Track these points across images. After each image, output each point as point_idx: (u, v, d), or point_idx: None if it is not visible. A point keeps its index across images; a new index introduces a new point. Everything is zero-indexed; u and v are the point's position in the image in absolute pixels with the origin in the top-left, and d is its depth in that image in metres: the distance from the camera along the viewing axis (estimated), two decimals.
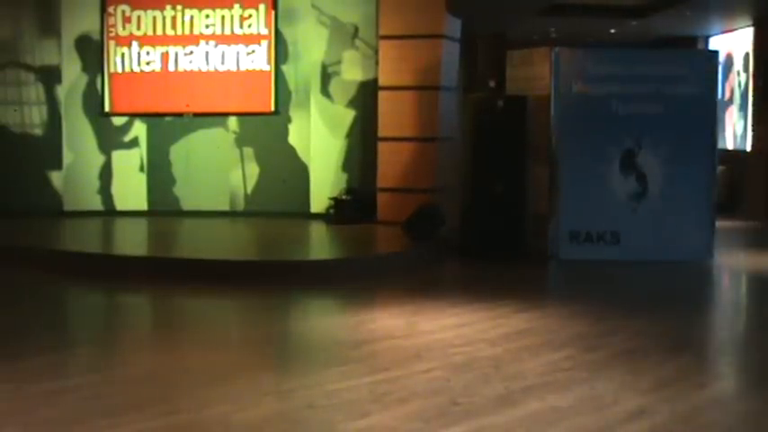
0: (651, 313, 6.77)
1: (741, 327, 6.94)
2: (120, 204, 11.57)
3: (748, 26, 13.84)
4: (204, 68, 11.47)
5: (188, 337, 6.05)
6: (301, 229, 10.50)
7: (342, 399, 4.55)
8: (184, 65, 11.48)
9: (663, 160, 9.06)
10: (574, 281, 8.41)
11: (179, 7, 11.45)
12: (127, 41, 11.51)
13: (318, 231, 10.41)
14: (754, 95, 13.49)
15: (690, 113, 9.07)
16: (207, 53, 11.45)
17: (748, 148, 13.58)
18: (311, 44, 11.25)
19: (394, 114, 10.43)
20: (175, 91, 11.50)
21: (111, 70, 11.54)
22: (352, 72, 11.17)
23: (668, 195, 9.08)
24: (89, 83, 11.57)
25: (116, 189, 11.59)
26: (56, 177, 11.59)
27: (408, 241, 9.22)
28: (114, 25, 11.50)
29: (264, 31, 11.38)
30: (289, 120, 11.39)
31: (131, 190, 11.56)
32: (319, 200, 11.14)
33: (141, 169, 11.56)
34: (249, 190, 11.47)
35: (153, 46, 11.49)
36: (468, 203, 9.35)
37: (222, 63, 11.44)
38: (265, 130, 11.41)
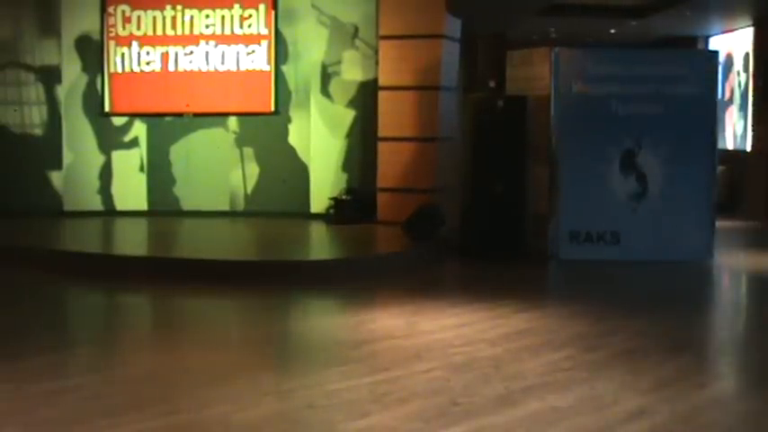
0: (651, 313, 6.77)
1: (741, 327, 6.94)
2: (120, 204, 11.57)
3: (748, 26, 13.85)
4: (204, 68, 11.47)
5: (188, 337, 6.05)
6: (301, 229, 10.50)
7: (342, 399, 4.55)
8: (184, 65, 11.48)
9: (663, 160, 9.06)
10: (574, 281, 8.41)
11: (179, 7, 11.45)
12: (127, 41, 11.51)
13: (318, 231, 10.42)
14: (754, 95, 13.49)
15: (690, 113, 9.07)
16: (207, 53, 11.45)
17: (748, 148, 13.58)
18: (311, 44, 11.25)
19: (394, 114, 10.43)
20: (175, 91, 11.50)
21: (111, 70, 11.55)
22: (352, 72, 11.17)
23: (668, 195, 9.08)
24: (89, 83, 11.57)
25: (116, 189, 11.59)
26: (56, 177, 11.59)
27: (408, 241, 9.22)
28: (114, 25, 11.50)
29: (264, 31, 11.38)
30: (289, 120, 11.39)
31: (131, 190, 11.56)
32: (319, 200, 11.14)
33: (141, 169, 11.56)
34: (249, 190, 11.48)
35: (153, 46, 11.49)
36: (468, 203, 9.35)
37: (222, 63, 11.44)
38: (265, 130, 11.41)
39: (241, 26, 11.41)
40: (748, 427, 4.35)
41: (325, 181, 11.19)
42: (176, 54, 11.47)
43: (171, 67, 11.48)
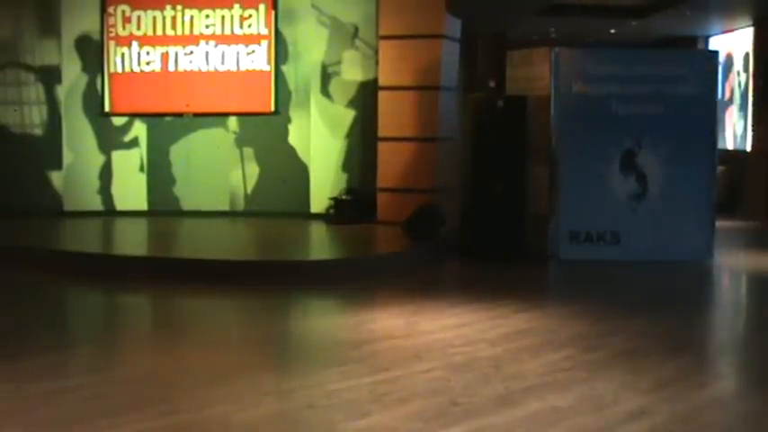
0: (651, 313, 6.77)
1: (741, 327, 6.94)
2: (120, 204, 11.57)
3: (748, 26, 13.84)
4: (204, 68, 11.47)
5: (188, 338, 6.05)
6: (301, 229, 10.50)
7: (342, 399, 4.55)
8: (184, 65, 11.48)
9: (663, 160, 9.06)
10: (574, 281, 8.41)
11: (179, 7, 11.45)
12: (127, 41, 11.51)
13: (318, 231, 10.42)
14: (754, 95, 13.49)
15: (690, 113, 9.07)
16: (207, 53, 11.45)
17: (748, 148, 13.58)
18: (311, 44, 11.26)
19: (394, 114, 10.43)
20: (175, 91, 11.50)
21: (111, 70, 11.55)
22: (352, 72, 11.17)
23: (668, 195, 9.08)
24: (89, 83, 11.58)
25: (116, 189, 11.59)
26: (56, 177, 11.60)
27: (408, 241, 9.22)
28: (114, 25, 11.50)
29: (264, 32, 11.39)
30: (289, 120, 11.39)
31: (131, 190, 11.56)
32: (319, 200, 11.14)
33: (141, 169, 11.56)
34: (249, 190, 11.48)
35: (153, 46, 11.50)
36: (468, 203, 9.35)
37: (222, 63, 11.44)
38: (265, 130, 11.41)
39: (241, 26, 11.41)
40: (748, 427, 4.35)
41: (325, 181, 11.20)
42: (176, 54, 11.47)
43: (171, 67, 11.49)
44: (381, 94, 10.59)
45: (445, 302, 7.03)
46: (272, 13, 11.35)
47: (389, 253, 9.02)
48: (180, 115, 11.49)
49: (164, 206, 11.50)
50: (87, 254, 8.64)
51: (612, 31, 15.14)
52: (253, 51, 11.39)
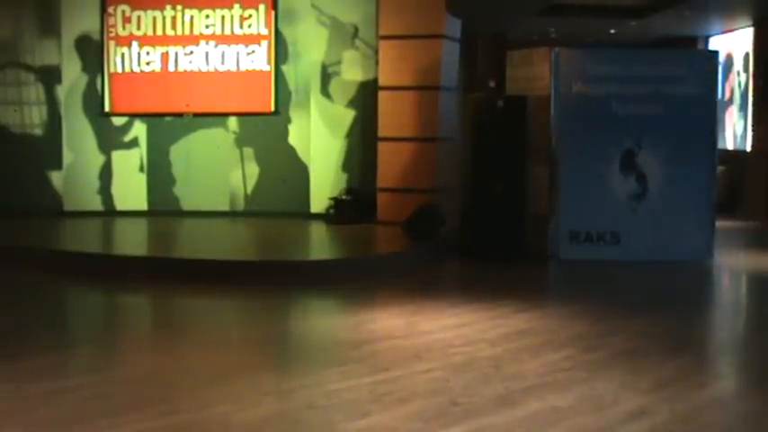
0: (651, 313, 6.77)
1: (741, 327, 6.94)
2: (120, 204, 11.57)
3: (748, 26, 13.84)
4: (204, 68, 11.47)
5: (188, 338, 6.05)
6: (301, 229, 10.50)
7: (342, 399, 4.55)
8: (184, 65, 11.48)
9: (663, 160, 9.06)
10: (574, 281, 8.41)
11: (179, 7, 11.46)
12: (127, 41, 11.51)
13: (318, 231, 10.42)
14: (754, 95, 13.49)
15: (690, 113, 9.07)
16: (207, 53, 11.45)
17: (748, 148, 13.58)
18: (311, 44, 11.26)
19: (394, 114, 10.43)
20: (175, 91, 11.50)
21: (111, 70, 11.55)
22: (352, 72, 11.17)
23: (668, 195, 9.08)
24: (89, 83, 11.58)
25: (116, 189, 11.59)
26: (56, 177, 11.60)
27: (408, 241, 9.22)
28: (114, 25, 11.50)
29: (264, 32, 11.39)
30: (289, 120, 11.39)
31: (131, 190, 11.56)
32: (319, 200, 11.15)
33: (141, 169, 11.56)
34: (249, 190, 11.48)
35: (153, 46, 11.50)
36: (468, 203, 9.35)
37: (222, 63, 11.44)
38: (265, 130, 11.41)
39: (241, 26, 11.41)
40: (748, 427, 4.35)
41: (325, 181, 11.20)
42: (176, 54, 11.47)
43: (171, 68, 11.49)
44: (381, 94, 10.59)
45: (445, 302, 7.03)
46: (272, 13, 11.36)
47: (389, 253, 9.02)
48: (180, 115, 11.49)
49: (164, 206, 11.50)
50: (87, 254, 8.63)
51: (612, 31, 15.14)
52: (253, 51, 11.39)
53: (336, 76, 11.21)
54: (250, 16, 11.40)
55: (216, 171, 11.48)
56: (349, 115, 11.21)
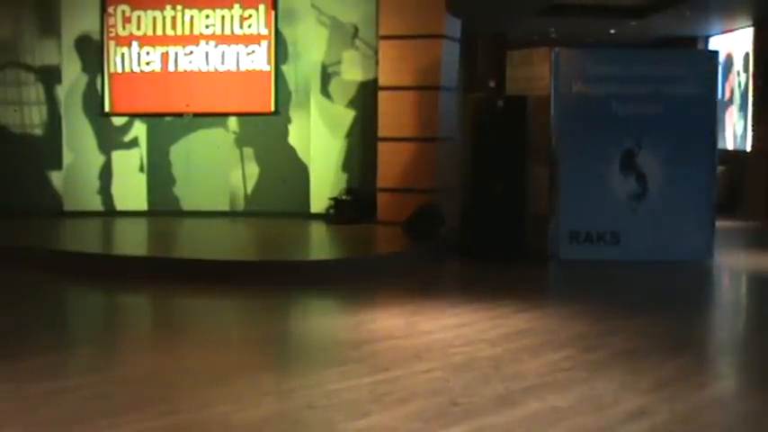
0: (651, 313, 6.77)
1: (741, 327, 6.94)
2: (120, 204, 11.58)
3: (748, 26, 13.84)
4: (204, 68, 11.47)
5: (188, 338, 6.05)
6: (301, 229, 10.50)
7: (342, 399, 4.55)
8: (184, 65, 11.48)
9: (663, 160, 9.06)
10: (574, 281, 8.41)
11: (179, 7, 11.46)
12: (127, 41, 11.51)
13: (318, 231, 10.42)
14: (754, 95, 13.49)
15: (690, 113, 9.07)
16: (207, 53, 11.45)
17: (748, 148, 13.58)
18: (311, 44, 11.26)
19: (394, 114, 10.43)
20: (175, 91, 11.50)
21: (111, 70, 11.55)
22: (352, 72, 11.17)
23: (668, 195, 9.08)
24: (89, 83, 11.58)
25: (116, 189, 11.60)
26: (56, 177, 11.60)
27: (408, 241, 9.22)
28: (114, 25, 11.50)
29: (264, 32, 11.39)
30: (289, 120, 11.39)
31: (131, 190, 11.56)
32: (319, 200, 11.15)
33: (141, 169, 11.56)
34: (249, 190, 11.48)
35: (153, 46, 11.50)
36: (468, 203, 9.35)
37: (222, 63, 11.45)
38: (265, 130, 11.41)
39: (241, 26, 11.42)
40: (748, 427, 4.35)
41: (325, 181, 11.20)
42: (176, 54, 11.48)
43: (171, 68, 11.49)
44: (381, 94, 10.59)
45: (445, 302, 7.04)
46: (272, 13, 11.36)
47: (389, 253, 9.02)
48: (180, 115, 11.49)
49: (164, 206, 11.50)
50: (87, 254, 8.63)
51: (612, 31, 15.14)
52: (253, 51, 11.39)
53: (336, 76, 11.21)
54: (250, 16, 11.40)
55: (216, 171, 11.48)
56: (349, 115, 11.21)
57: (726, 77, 14.45)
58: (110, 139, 11.59)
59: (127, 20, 11.50)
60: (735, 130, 14.34)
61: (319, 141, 11.23)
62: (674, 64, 9.28)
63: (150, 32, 11.49)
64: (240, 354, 5.69)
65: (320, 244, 10.11)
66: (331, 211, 10.86)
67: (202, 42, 11.45)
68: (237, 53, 11.42)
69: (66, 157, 11.57)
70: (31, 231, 10.20)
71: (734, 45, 14.51)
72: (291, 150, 11.39)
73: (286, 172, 11.37)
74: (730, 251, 9.83)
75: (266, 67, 11.38)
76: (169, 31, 11.48)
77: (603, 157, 9.05)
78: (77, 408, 4.38)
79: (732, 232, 11.38)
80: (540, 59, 9.44)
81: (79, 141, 11.57)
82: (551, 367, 5.12)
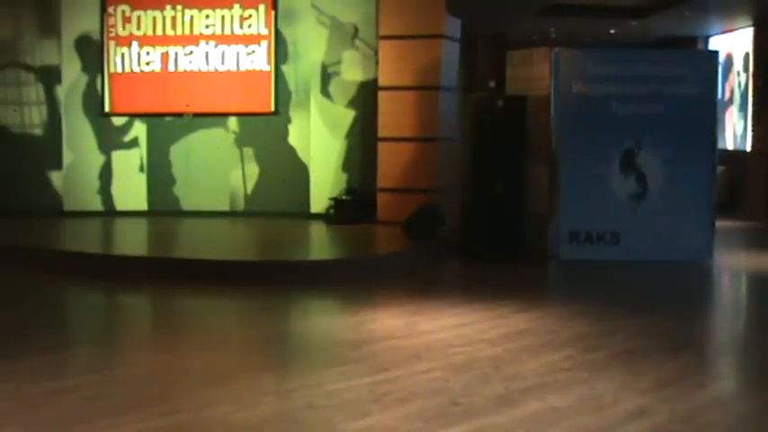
0: (651, 313, 6.77)
1: (741, 327, 6.94)
2: (120, 204, 11.57)
3: (748, 26, 13.84)
4: (204, 68, 11.47)
5: (188, 338, 6.05)
6: (301, 229, 10.50)
7: (342, 399, 4.55)
8: (184, 65, 11.48)
9: (663, 160, 9.06)
10: (574, 281, 8.41)
11: (179, 7, 11.46)
12: (127, 41, 11.51)
13: (318, 231, 10.42)
14: (754, 95, 13.49)
15: (690, 113, 9.07)
16: (207, 53, 11.45)
17: (748, 148, 13.58)
18: (311, 44, 11.26)
19: (394, 114, 10.43)
20: (175, 91, 11.50)
21: (111, 70, 11.55)
22: (352, 72, 11.17)
23: (668, 195, 9.08)
24: (89, 83, 11.58)
25: (116, 189, 11.60)
26: (56, 177, 11.60)
27: (408, 241, 9.22)
28: (114, 25, 11.50)
29: (264, 32, 11.39)
30: (289, 120, 11.39)
31: (131, 190, 11.56)
32: (319, 200, 11.15)
33: (141, 169, 11.56)
34: (249, 190, 11.48)
35: (153, 46, 11.50)
36: (468, 203, 9.35)
37: (222, 63, 11.45)
38: (265, 130, 11.41)
39: (241, 26, 11.41)
40: (748, 427, 4.35)
41: (325, 181, 11.20)
42: (176, 54, 11.47)
43: (171, 68, 11.49)
44: (381, 94, 10.59)
45: (445, 302, 7.04)
46: (272, 13, 11.36)
47: (389, 253, 9.02)
48: (180, 115, 11.49)
49: (164, 206, 11.50)
50: (87, 254, 8.63)
51: (612, 31, 15.14)
52: (253, 51, 11.39)
53: (336, 76, 11.21)
54: (250, 16, 11.40)
55: (216, 171, 11.48)
56: (349, 115, 11.21)
57: (726, 77, 14.45)
58: (110, 139, 11.59)
59: (127, 20, 11.50)
60: (735, 130, 14.34)
61: (319, 141, 11.23)
62: (675, 64, 9.28)
63: (150, 32, 11.49)
64: (240, 354, 5.69)
65: (320, 244, 10.11)
66: (331, 211, 10.86)
67: (202, 42, 11.45)
68: (237, 53, 11.42)
69: (66, 157, 11.57)
70: (31, 231, 10.20)
71: (734, 45, 14.51)
72: (291, 150, 11.39)
73: (286, 172, 11.37)
74: (730, 251, 9.84)
75: (266, 67, 11.38)
76: (169, 31, 11.48)
77: (603, 157, 9.05)
78: (77, 408, 4.38)
79: (732, 232, 11.38)
80: (540, 59, 9.44)
81: (79, 141, 11.57)
82: (551, 367, 5.12)
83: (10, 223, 10.52)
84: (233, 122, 11.47)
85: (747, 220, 12.65)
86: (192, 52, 11.46)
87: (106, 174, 11.59)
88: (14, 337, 5.92)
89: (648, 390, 4.72)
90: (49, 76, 11.56)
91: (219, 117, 11.46)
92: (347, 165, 11.22)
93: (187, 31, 11.46)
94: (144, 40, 11.50)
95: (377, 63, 10.82)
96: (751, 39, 13.74)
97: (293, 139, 11.39)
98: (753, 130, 13.45)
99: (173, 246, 10.15)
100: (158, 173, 11.54)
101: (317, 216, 11.02)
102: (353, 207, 10.76)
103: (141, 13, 11.49)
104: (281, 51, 11.38)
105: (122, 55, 11.52)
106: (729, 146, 14.37)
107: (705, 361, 5.72)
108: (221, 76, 11.46)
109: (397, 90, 10.44)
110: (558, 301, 7.35)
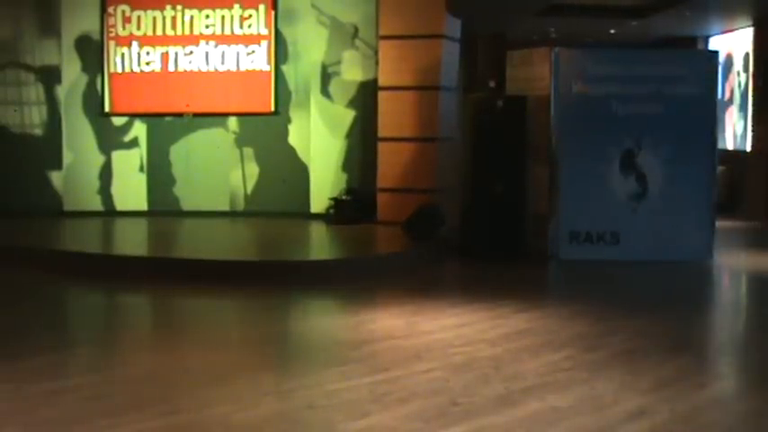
0: (651, 313, 6.77)
1: (741, 327, 6.94)
2: (120, 204, 11.57)
3: (748, 26, 13.84)
4: (204, 68, 11.47)
5: (188, 337, 6.05)
6: (301, 229, 10.50)
7: (342, 399, 4.55)
8: (184, 65, 11.48)
9: (663, 160, 9.06)
10: (574, 281, 8.41)
11: (179, 7, 11.46)
12: (127, 41, 11.51)
13: (318, 231, 10.42)
14: (754, 95, 13.49)
15: (690, 113, 9.07)
16: (207, 53, 11.45)
17: (748, 148, 13.58)
18: (311, 44, 11.26)
19: (394, 114, 10.43)
20: (175, 91, 11.50)
21: (111, 70, 11.55)
22: (352, 72, 11.17)
23: (668, 195, 9.08)
24: (89, 83, 11.58)
25: (116, 189, 11.60)
26: (56, 177, 11.60)
27: (408, 241, 9.22)
28: (114, 25, 11.50)
29: (264, 32, 11.39)
30: (289, 120, 11.39)
31: (131, 190, 11.56)
32: (319, 200, 11.15)
33: (141, 169, 11.56)
34: (249, 190, 11.48)
35: (153, 46, 11.50)
36: (468, 203, 9.35)
37: (222, 63, 11.45)
38: (265, 130, 11.41)
39: (241, 26, 11.41)
40: (748, 427, 4.35)
41: (325, 181, 11.20)
42: (176, 54, 11.47)
43: (171, 68, 11.49)
44: (381, 94, 10.59)
45: (445, 302, 7.04)
46: (272, 13, 11.36)
47: (389, 253, 9.02)
48: (180, 115, 11.49)
49: (164, 206, 11.50)
50: (87, 254, 8.64)
51: (612, 31, 15.14)
52: (253, 51, 11.39)
53: (336, 76, 11.21)
54: (250, 16, 11.40)
55: (216, 171, 11.48)
56: (349, 115, 11.21)
57: (726, 77, 14.45)
58: (110, 139, 11.59)
59: (127, 20, 11.50)
60: (735, 130, 14.34)
61: (319, 141, 11.23)
62: (675, 64, 9.28)
63: (150, 32, 11.49)
64: (240, 354, 5.69)
65: (320, 244, 10.11)
66: (331, 211, 10.86)
67: (202, 42, 11.45)
68: (237, 53, 11.42)
69: (66, 157, 11.57)
70: (31, 231, 10.20)
71: (734, 45, 14.51)
72: (291, 150, 11.39)
73: (286, 172, 11.37)
74: (730, 251, 9.84)
75: (266, 67, 11.38)
76: (169, 31, 11.48)
77: (603, 157, 9.05)
78: (77, 408, 4.38)
79: (732, 232, 11.38)
80: (540, 59, 9.44)
81: (79, 141, 11.57)
82: (551, 367, 5.12)
83: (10, 223, 10.52)
84: (233, 122, 11.47)
85: (747, 220, 12.65)
86: (191, 52, 11.46)
87: (106, 174, 11.59)
88: (14, 337, 5.92)
89: (648, 390, 4.72)
90: (49, 76, 11.55)
91: (219, 117, 11.46)
92: (347, 165, 11.22)
93: (187, 31, 11.46)
94: (144, 40, 11.50)
95: (377, 63, 10.82)
96: (751, 39, 13.74)
97: (293, 139, 11.39)
98: (753, 130, 13.45)
99: (173, 246, 10.15)
100: (158, 173, 11.54)
101: (317, 216, 11.02)
102: (353, 207, 10.76)
103: (141, 13, 11.49)
104: (281, 51, 11.38)
105: (122, 55, 11.52)
106: (729, 146, 14.37)
107: (705, 361, 5.72)
108: (221, 76, 11.46)
109: (397, 90, 10.44)
110: (558, 301, 7.35)
